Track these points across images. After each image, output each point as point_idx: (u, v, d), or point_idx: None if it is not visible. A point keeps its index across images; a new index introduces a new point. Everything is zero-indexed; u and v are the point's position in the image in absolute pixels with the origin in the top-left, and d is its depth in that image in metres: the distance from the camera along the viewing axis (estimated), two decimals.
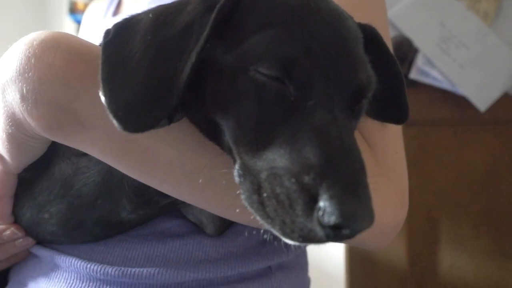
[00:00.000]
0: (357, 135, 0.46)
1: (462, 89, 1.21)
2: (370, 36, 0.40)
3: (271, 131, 0.32)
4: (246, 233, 0.50)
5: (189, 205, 0.47)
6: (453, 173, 1.26)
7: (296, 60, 0.32)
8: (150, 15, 0.35)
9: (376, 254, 1.26)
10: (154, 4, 0.57)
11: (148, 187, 0.42)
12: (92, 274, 0.46)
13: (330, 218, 0.27)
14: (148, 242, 0.48)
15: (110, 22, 0.69)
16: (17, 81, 0.37)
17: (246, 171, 0.32)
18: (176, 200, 0.45)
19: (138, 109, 0.32)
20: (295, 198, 0.29)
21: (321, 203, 0.28)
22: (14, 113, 0.38)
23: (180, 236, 0.49)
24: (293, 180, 0.29)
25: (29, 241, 0.50)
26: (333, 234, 0.28)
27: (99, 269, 0.46)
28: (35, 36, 0.38)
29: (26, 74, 0.36)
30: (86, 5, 2.23)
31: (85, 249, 0.48)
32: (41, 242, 0.51)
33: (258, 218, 0.32)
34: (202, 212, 0.48)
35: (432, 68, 1.23)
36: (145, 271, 0.45)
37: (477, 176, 1.25)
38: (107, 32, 0.35)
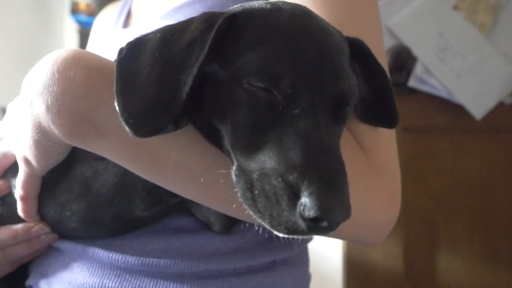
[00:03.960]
0: (350, 139, 0.49)
1: (459, 97, 1.24)
2: (358, 48, 0.44)
3: (262, 136, 0.36)
4: (253, 230, 0.53)
5: (197, 204, 0.51)
6: (448, 179, 1.29)
7: (283, 74, 0.36)
8: (158, 35, 0.39)
9: (373, 256, 1.29)
10: (165, 19, 0.61)
11: (159, 187, 0.46)
12: (113, 262, 0.49)
13: (310, 212, 0.31)
14: (163, 237, 0.52)
15: (120, 34, 0.73)
16: (43, 94, 0.41)
17: (241, 171, 0.37)
18: (185, 199, 0.48)
19: (146, 117, 0.36)
20: (281, 194, 0.33)
21: (302, 199, 0.32)
22: (40, 122, 0.42)
23: (192, 232, 0.52)
24: (279, 179, 0.33)
25: (54, 236, 0.53)
26: (314, 226, 0.32)
27: (120, 258, 0.49)
28: (58, 54, 0.42)
29: (50, 88, 0.41)
30: (87, 6, 2.25)
31: (105, 243, 0.52)
32: (64, 237, 0.54)
33: (251, 213, 0.36)
34: (210, 211, 0.51)
35: (430, 76, 1.27)
36: (162, 261, 0.49)
37: (471, 181, 1.28)
38: (121, 50, 0.39)
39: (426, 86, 1.27)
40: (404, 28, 1.26)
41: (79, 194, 0.49)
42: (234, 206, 0.37)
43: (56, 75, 0.41)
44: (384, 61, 0.53)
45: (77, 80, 0.40)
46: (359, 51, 0.44)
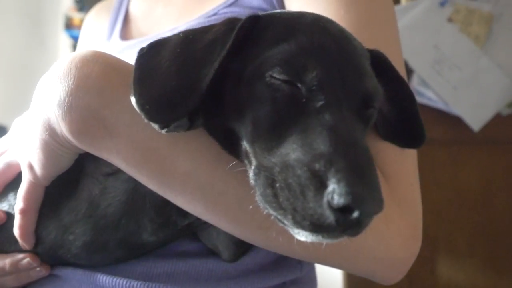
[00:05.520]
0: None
1: (456, 109, 1.24)
2: (378, 60, 0.43)
3: (285, 130, 0.34)
4: (263, 252, 0.51)
5: (205, 230, 0.49)
6: (448, 191, 1.28)
7: (307, 67, 0.35)
8: (180, 34, 0.39)
9: None
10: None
11: (167, 205, 0.43)
12: None
13: (340, 199, 0.29)
14: (169, 261, 0.49)
15: (119, 45, 0.70)
16: (57, 87, 0.40)
17: (261, 168, 0.34)
18: (193, 222, 0.46)
19: (163, 105, 0.35)
20: (307, 185, 0.30)
21: (331, 187, 0.29)
22: (49, 118, 0.41)
23: (200, 255, 0.50)
24: (305, 168, 0.31)
25: (44, 271, 0.50)
26: (343, 218, 0.29)
27: (125, 283, 0.46)
28: (78, 52, 0.42)
29: (65, 83, 0.40)
30: (82, 21, 2.24)
31: (107, 268, 0.49)
32: (62, 264, 0.51)
33: (271, 212, 0.33)
34: (219, 239, 0.49)
35: (427, 88, 1.27)
36: (168, 287, 0.46)
37: (471, 194, 1.27)
38: (142, 49, 0.39)
39: (423, 98, 1.27)
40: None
41: (85, 215, 0.46)
42: (250, 209, 0.34)
43: (73, 71, 0.40)
44: (405, 76, 0.51)
45: (94, 76, 0.40)
46: (379, 65, 0.43)
